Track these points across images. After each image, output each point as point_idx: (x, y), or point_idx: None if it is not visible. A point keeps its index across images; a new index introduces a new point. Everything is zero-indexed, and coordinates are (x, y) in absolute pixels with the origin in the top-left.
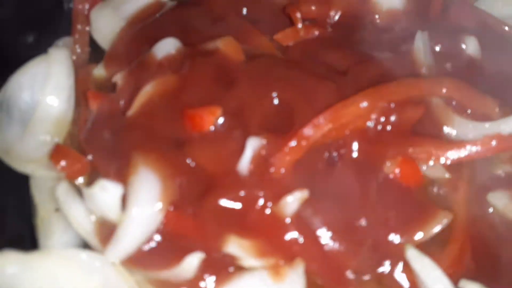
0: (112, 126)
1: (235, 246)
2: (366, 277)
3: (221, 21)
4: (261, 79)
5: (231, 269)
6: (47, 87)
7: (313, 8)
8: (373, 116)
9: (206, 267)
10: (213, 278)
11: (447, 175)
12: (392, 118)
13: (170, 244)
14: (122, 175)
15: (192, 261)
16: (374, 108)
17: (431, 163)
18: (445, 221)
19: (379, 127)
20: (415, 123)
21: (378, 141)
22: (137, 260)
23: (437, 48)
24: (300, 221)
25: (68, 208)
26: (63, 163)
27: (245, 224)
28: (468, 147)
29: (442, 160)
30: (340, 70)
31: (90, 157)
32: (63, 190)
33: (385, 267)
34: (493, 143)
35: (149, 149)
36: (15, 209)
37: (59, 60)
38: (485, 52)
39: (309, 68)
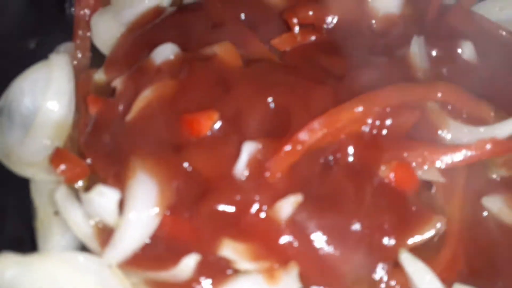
0: (111, 131)
1: (230, 250)
2: (360, 281)
3: (219, 26)
4: (258, 84)
5: (226, 272)
6: (48, 92)
7: (310, 13)
8: (369, 121)
9: (202, 270)
10: (209, 280)
11: (441, 179)
12: (388, 123)
13: (167, 247)
14: (120, 179)
15: (189, 263)
16: (369, 112)
17: (426, 167)
18: (439, 225)
19: (375, 132)
20: (411, 127)
21: (373, 146)
22: (134, 262)
23: (433, 53)
24: (295, 225)
25: (67, 211)
26: (62, 167)
27: (240, 227)
28: (463, 151)
29: (437, 164)
30: (336, 75)
31: (89, 161)
32: (62, 194)
33: (379, 271)
34: (488, 147)
35: (147, 154)
36: (15, 212)
37: (60, 66)
38: (482, 56)
39: (305, 73)
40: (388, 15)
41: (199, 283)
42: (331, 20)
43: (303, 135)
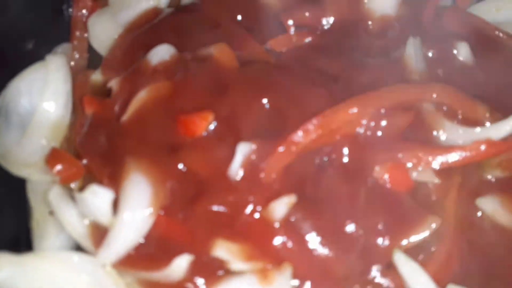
0: (107, 131)
1: (223, 250)
2: (354, 282)
3: (216, 27)
4: (253, 85)
5: (220, 272)
6: (45, 93)
7: (306, 14)
8: (363, 122)
9: (196, 270)
10: (202, 280)
11: (436, 180)
12: (382, 124)
13: (160, 247)
14: (115, 179)
15: (181, 263)
16: (364, 114)
17: (420, 168)
18: (433, 226)
19: (369, 133)
20: (405, 128)
21: (368, 147)
22: (128, 262)
23: (429, 54)
24: (290, 226)
25: (61, 211)
26: (58, 167)
27: (234, 228)
28: (458, 152)
29: (432, 165)
30: (332, 76)
31: (85, 161)
32: (55, 194)
33: (374, 272)
34: (482, 148)
35: (142, 154)
36: (11, 212)
37: (57, 67)
38: (478, 57)
39: (301, 74)
40: (384, 16)
41: (192, 283)
42: (327, 21)
43: (297, 136)
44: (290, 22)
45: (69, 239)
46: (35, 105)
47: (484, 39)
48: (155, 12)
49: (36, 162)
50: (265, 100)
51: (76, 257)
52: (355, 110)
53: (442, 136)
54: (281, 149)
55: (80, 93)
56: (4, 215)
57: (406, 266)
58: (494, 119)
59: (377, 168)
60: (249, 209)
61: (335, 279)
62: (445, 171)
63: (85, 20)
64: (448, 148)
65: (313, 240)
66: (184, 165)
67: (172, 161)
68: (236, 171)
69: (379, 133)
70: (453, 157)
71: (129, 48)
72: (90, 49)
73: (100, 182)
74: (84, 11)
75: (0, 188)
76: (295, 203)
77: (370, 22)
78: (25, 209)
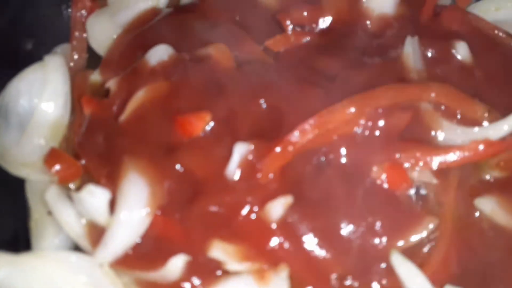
0: (105, 131)
1: (219, 251)
2: (351, 283)
3: (214, 27)
4: (250, 85)
5: (217, 272)
6: (44, 93)
7: (304, 14)
8: (361, 122)
9: (193, 270)
10: (199, 281)
11: (434, 180)
12: (380, 124)
13: (157, 247)
14: (112, 179)
15: (177, 263)
16: (361, 113)
17: (418, 168)
18: (431, 226)
19: (367, 133)
20: (403, 128)
21: (366, 147)
22: (125, 262)
23: (428, 53)
24: (286, 227)
25: (58, 211)
26: (57, 167)
27: (231, 229)
28: (456, 152)
29: (430, 165)
30: (330, 76)
31: (83, 161)
32: (53, 194)
33: (371, 273)
34: (480, 148)
35: (140, 154)
36: (10, 211)
37: (55, 67)
38: (476, 57)
39: (298, 74)
40: (383, 15)
41: (189, 283)
42: (325, 21)
43: (294, 136)
44: (288, 22)
45: (67, 239)
46: (34, 105)
47: (483, 38)
48: (153, 12)
49: (35, 162)
50: (262, 100)
51: (74, 257)
52: (352, 110)
53: (440, 136)
54: (277, 149)
55: (79, 93)
56: (3, 215)
57: (403, 267)
58: (493, 119)
59: (374, 168)
60: (246, 209)
61: (332, 280)
62: (443, 171)
63: (84, 20)
64: (446, 148)
65: (310, 241)
66: (181, 165)
67: (170, 161)
68: (233, 171)
69: (377, 133)
70: (451, 157)
71: (128, 49)
72: (89, 50)
73: (97, 182)
74: (83, 11)
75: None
76: (292, 203)
77: (368, 22)
78: (24, 208)
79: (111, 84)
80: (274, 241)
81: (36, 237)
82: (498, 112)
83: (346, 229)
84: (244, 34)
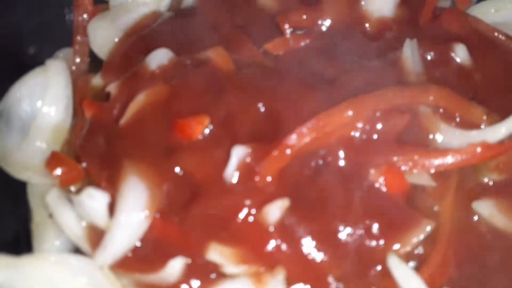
0: (105, 135)
1: (217, 254)
2: (348, 286)
3: (214, 31)
4: (249, 89)
5: (215, 275)
6: (46, 97)
7: (303, 17)
8: (359, 125)
9: (191, 272)
10: (197, 283)
11: (432, 184)
12: (378, 127)
13: (156, 249)
14: (112, 183)
15: (175, 265)
16: (359, 116)
17: (416, 171)
18: (428, 229)
19: (365, 136)
20: (401, 131)
21: (364, 150)
22: (124, 264)
23: (427, 56)
24: (284, 230)
25: (59, 213)
26: (58, 170)
27: (229, 232)
28: (454, 155)
29: (428, 169)
30: (328, 79)
31: (84, 164)
32: (54, 196)
33: (368, 276)
34: (478, 151)
35: (139, 158)
36: (11, 214)
37: (57, 71)
38: (476, 59)
39: (297, 78)
40: (382, 18)
41: (187, 285)
42: (324, 23)
43: (291, 140)
44: (287, 25)
45: (68, 241)
46: (36, 109)
47: (482, 40)
48: (154, 16)
49: (37, 165)
50: (260, 104)
51: (74, 259)
52: (350, 113)
53: (439, 138)
54: (275, 152)
55: (81, 97)
56: (5, 217)
57: (400, 270)
58: (492, 122)
59: (372, 171)
60: (243, 212)
61: (329, 283)
62: (441, 174)
63: (86, 24)
64: (444, 151)
65: (308, 244)
66: (180, 169)
67: (169, 164)
68: (231, 174)
69: (375, 136)
70: (449, 160)
71: (129, 52)
72: (91, 54)
73: (98, 185)
74: (85, 15)
75: (1, 191)
76: (290, 206)
77: (367, 24)
78: (25, 211)
79: (112, 88)
80: (272, 244)
81: (37, 240)
82: (497, 115)
83: (344, 232)
84: (244, 37)
